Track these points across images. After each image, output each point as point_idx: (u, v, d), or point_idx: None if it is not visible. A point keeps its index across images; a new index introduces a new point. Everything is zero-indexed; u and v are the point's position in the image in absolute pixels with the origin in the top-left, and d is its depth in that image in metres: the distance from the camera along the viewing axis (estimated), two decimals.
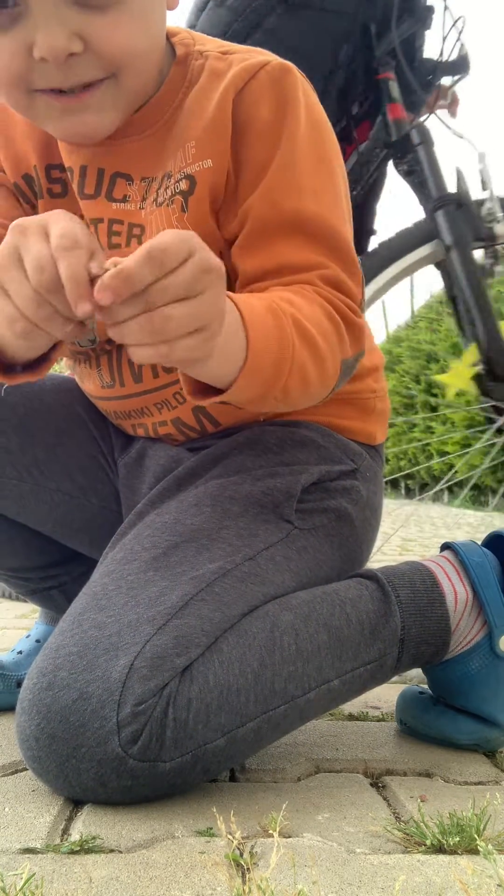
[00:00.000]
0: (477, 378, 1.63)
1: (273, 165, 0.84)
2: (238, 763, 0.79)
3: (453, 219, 1.62)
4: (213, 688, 0.73)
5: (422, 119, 1.72)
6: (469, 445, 8.22)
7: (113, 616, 0.75)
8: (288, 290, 0.81)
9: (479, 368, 1.61)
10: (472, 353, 1.62)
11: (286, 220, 0.84)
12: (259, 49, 0.89)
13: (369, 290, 1.65)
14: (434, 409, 9.11)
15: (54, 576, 1.11)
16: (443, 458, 2.58)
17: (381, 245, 1.70)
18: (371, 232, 1.85)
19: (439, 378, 1.73)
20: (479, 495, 8.96)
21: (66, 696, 0.70)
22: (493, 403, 1.61)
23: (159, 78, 0.87)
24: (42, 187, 0.94)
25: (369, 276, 1.66)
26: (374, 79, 1.70)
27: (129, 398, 0.97)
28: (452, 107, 1.80)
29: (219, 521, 0.84)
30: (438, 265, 1.70)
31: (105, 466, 1.04)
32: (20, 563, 1.08)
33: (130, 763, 0.70)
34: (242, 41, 1.55)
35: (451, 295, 1.65)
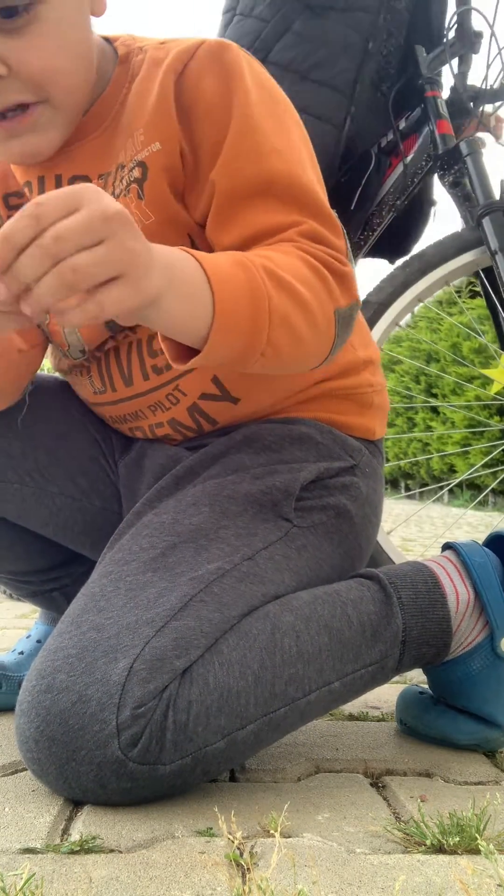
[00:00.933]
0: None
1: (229, 136, 0.82)
2: (237, 764, 0.79)
3: (500, 225, 1.65)
4: (213, 690, 0.72)
5: (474, 132, 1.78)
6: (469, 445, 8.22)
7: (111, 618, 0.75)
8: (263, 248, 0.80)
9: None
10: None
11: (253, 186, 0.82)
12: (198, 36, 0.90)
13: (410, 293, 1.69)
14: (434, 409, 9.10)
15: (55, 578, 1.11)
16: (442, 455, 2.58)
17: (424, 250, 1.72)
18: (414, 240, 1.89)
19: (487, 372, 1.75)
20: (479, 495, 8.97)
21: (65, 698, 0.70)
22: None
23: (100, 83, 0.88)
24: (2, 218, 0.95)
25: (416, 277, 1.70)
26: (424, 96, 1.77)
27: (122, 402, 0.97)
28: (497, 129, 1.87)
29: (217, 521, 0.84)
30: (480, 273, 1.74)
31: (106, 468, 1.04)
32: (21, 566, 1.08)
33: (130, 766, 0.69)
34: (272, 46, 1.59)
35: (492, 302, 1.68)
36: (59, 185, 0.90)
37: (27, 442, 1.00)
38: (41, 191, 0.90)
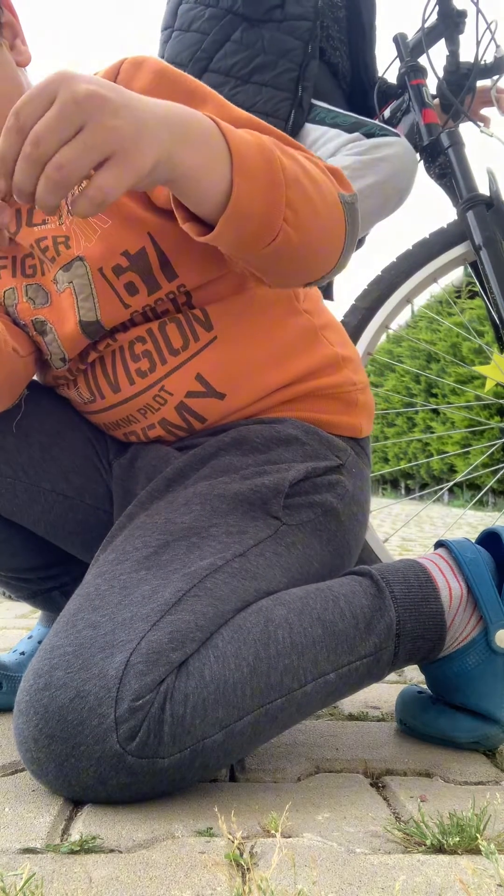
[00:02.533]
0: None
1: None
2: (237, 759, 0.79)
3: (483, 218, 1.65)
4: (210, 682, 0.73)
5: (457, 123, 1.77)
6: (469, 445, 8.22)
7: (107, 615, 0.75)
8: None
9: None
10: None
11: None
12: None
13: (402, 291, 1.68)
14: (434, 409, 9.10)
15: (54, 576, 1.11)
16: (444, 455, 2.58)
17: (415, 246, 1.71)
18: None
19: (480, 369, 1.75)
20: (478, 495, 8.97)
21: (63, 695, 0.70)
22: None
23: None
24: None
25: (402, 278, 1.69)
26: (408, 85, 1.77)
27: (111, 409, 0.99)
28: (501, 102, 1.84)
29: (208, 519, 0.85)
30: (471, 266, 1.72)
31: (99, 467, 1.04)
32: (19, 563, 1.08)
33: (129, 760, 0.70)
34: (213, 55, 1.66)
35: (486, 294, 1.67)
36: (18, 213, 0.94)
37: (22, 438, 1.00)
38: None
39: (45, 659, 0.74)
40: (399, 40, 1.81)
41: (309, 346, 0.97)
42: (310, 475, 0.93)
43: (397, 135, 1.65)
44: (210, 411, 0.95)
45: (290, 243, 0.79)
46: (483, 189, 1.68)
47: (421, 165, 1.74)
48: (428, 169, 1.77)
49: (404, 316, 1.79)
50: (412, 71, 1.75)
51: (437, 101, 1.80)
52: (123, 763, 0.70)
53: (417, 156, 1.68)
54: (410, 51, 1.78)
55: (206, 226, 0.76)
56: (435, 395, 9.01)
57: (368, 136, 1.63)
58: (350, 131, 1.63)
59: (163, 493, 0.91)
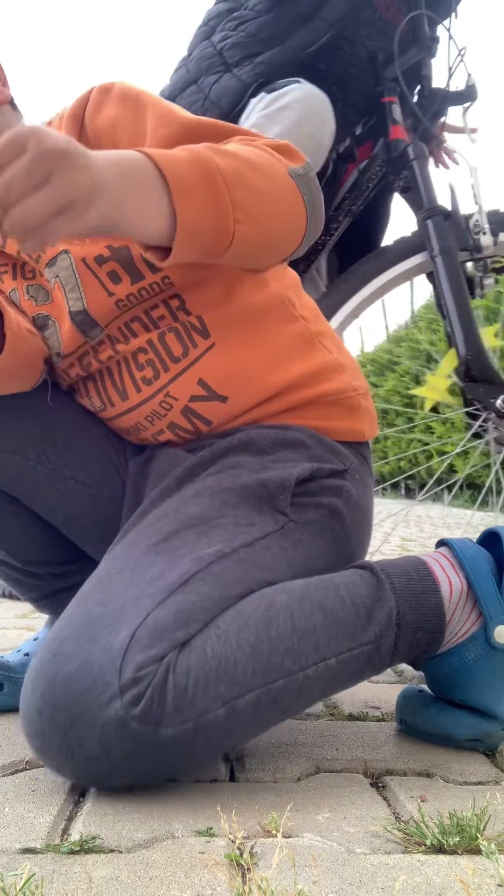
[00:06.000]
0: (455, 388, 1.70)
1: (148, 120, 0.92)
2: (238, 742, 0.80)
3: (440, 229, 1.72)
4: (212, 659, 0.74)
5: (417, 139, 1.85)
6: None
7: (115, 594, 0.78)
8: None
9: (454, 380, 1.68)
10: (450, 360, 1.66)
11: (180, 136, 0.90)
12: None
13: (361, 294, 1.72)
14: (434, 409, 9.11)
15: (67, 574, 1.11)
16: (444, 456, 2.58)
17: (376, 252, 1.76)
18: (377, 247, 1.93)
19: (415, 391, 1.78)
20: (478, 495, 8.97)
21: (69, 665, 0.73)
22: (469, 409, 1.67)
23: None
24: None
25: (362, 282, 1.74)
26: (380, 102, 1.83)
27: (123, 416, 1.02)
28: (473, 131, 1.93)
29: (217, 510, 0.87)
30: (428, 276, 1.78)
31: (117, 462, 1.07)
32: (38, 552, 1.09)
33: (132, 726, 0.71)
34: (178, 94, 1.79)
35: (439, 303, 1.72)
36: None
37: (47, 426, 1.03)
38: None
39: (55, 633, 0.77)
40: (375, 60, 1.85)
41: (307, 352, 1.00)
42: (315, 475, 0.95)
43: (299, 81, 1.66)
44: (215, 414, 0.98)
45: (248, 239, 0.84)
46: (444, 202, 1.75)
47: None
48: (393, 182, 1.84)
49: (403, 316, 1.82)
50: (386, 90, 1.82)
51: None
52: (127, 730, 0.71)
53: (325, 98, 1.69)
54: (383, 70, 1.83)
55: (165, 250, 0.81)
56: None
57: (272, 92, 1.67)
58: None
59: (173, 491, 0.93)
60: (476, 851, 0.65)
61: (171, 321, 0.96)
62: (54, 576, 1.12)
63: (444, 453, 9.12)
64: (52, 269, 0.97)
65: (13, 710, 1.03)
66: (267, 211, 0.85)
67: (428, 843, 0.66)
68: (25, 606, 1.99)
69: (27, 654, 1.09)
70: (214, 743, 0.76)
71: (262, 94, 1.66)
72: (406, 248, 1.75)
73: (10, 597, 2.03)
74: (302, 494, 0.93)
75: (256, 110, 1.64)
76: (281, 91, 1.65)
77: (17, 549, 1.09)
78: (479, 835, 0.66)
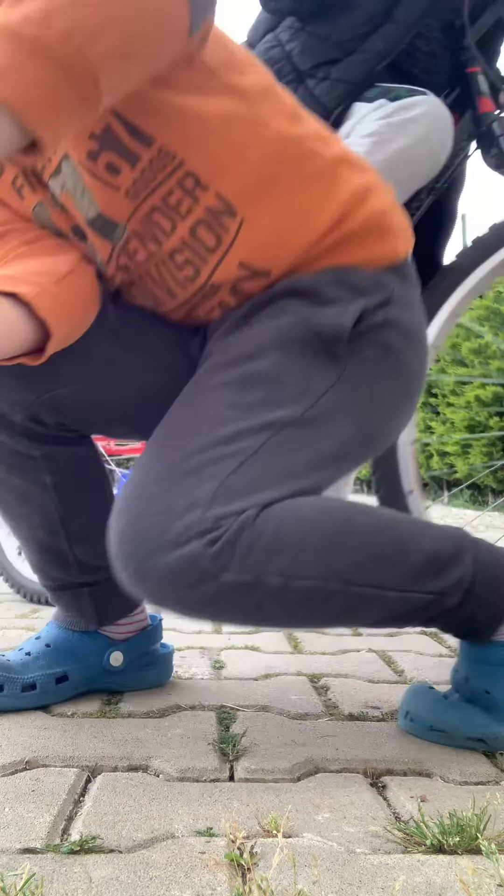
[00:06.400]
0: None
1: None
2: (283, 624, 0.89)
3: None
4: (284, 534, 0.81)
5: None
6: (469, 446, 8.21)
7: (195, 445, 0.85)
8: None
9: None
10: None
11: None
12: None
13: (455, 297, 1.63)
14: (434, 409, 9.10)
15: (99, 568, 1.11)
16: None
17: (473, 244, 1.66)
18: (448, 233, 1.83)
19: None
20: (478, 495, 8.96)
21: (154, 505, 0.82)
22: None
23: None
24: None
25: (454, 285, 1.64)
26: (462, 72, 1.68)
27: (173, 311, 1.03)
28: None
29: (281, 365, 0.91)
30: None
31: (185, 357, 1.06)
32: (88, 521, 1.10)
33: (204, 563, 0.79)
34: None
35: None
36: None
37: (120, 314, 1.05)
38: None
39: (139, 476, 0.86)
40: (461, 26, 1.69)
41: (330, 190, 0.96)
42: (364, 315, 0.95)
43: (425, 93, 1.57)
44: (260, 286, 0.99)
45: (118, 69, 0.75)
46: None
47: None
48: (485, 158, 1.69)
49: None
50: (471, 59, 1.67)
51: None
52: (197, 565, 0.79)
53: (449, 114, 1.59)
54: (464, 38, 1.68)
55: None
56: (435, 395, 8.99)
57: (395, 100, 1.56)
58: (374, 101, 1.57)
59: (230, 334, 0.97)
60: (476, 851, 0.65)
61: (190, 204, 0.92)
62: (85, 569, 1.12)
63: (446, 453, 9.10)
64: (58, 180, 0.94)
65: (12, 710, 1.03)
66: (116, 27, 0.73)
67: (428, 843, 0.66)
68: (26, 606, 1.99)
69: (28, 654, 1.09)
70: (265, 609, 0.82)
71: (381, 101, 1.57)
72: (495, 240, 1.63)
73: (47, 603, 2.01)
74: (354, 339, 0.94)
75: (375, 116, 1.55)
76: (408, 101, 1.56)
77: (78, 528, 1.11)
78: (479, 835, 0.66)
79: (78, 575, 1.12)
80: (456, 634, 0.95)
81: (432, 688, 0.99)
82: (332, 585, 0.82)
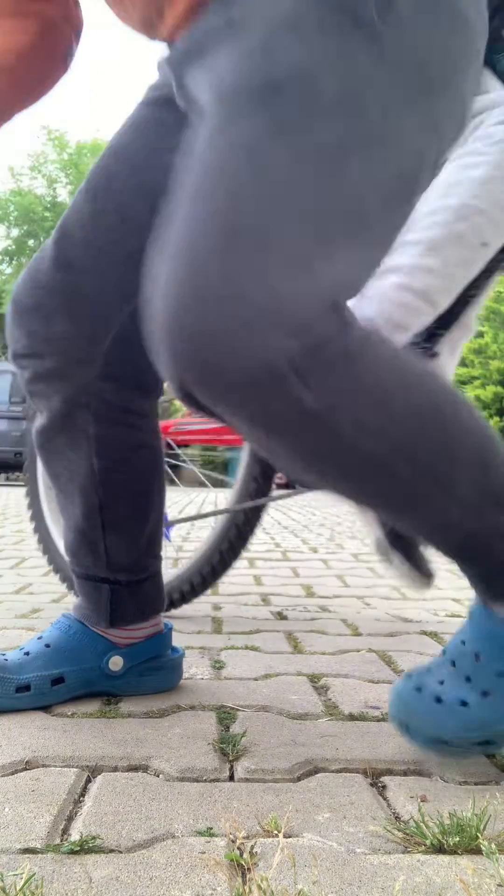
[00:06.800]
0: None
1: None
2: (341, 475, 0.78)
3: None
4: (373, 386, 0.74)
5: None
6: None
7: (259, 203, 0.68)
8: None
9: None
10: None
11: None
12: None
13: None
14: None
15: (124, 568, 1.11)
16: None
17: None
18: None
19: None
20: None
21: (226, 289, 0.66)
22: None
23: None
24: None
25: None
26: None
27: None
28: None
29: (308, 55, 0.71)
30: None
31: None
32: (125, 514, 1.09)
33: (290, 377, 0.68)
34: None
35: None
36: None
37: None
38: None
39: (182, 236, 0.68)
40: None
41: None
42: None
43: None
44: None
45: None
46: None
47: None
48: None
49: None
50: None
51: None
52: (280, 371, 0.67)
53: None
54: None
55: None
56: None
57: None
58: None
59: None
60: (476, 851, 0.65)
61: None
62: (117, 566, 1.12)
63: None
64: None
65: (8, 711, 1.03)
66: None
67: (428, 843, 0.66)
68: (25, 607, 1.99)
69: (27, 653, 1.09)
70: (333, 444, 0.74)
71: None
72: None
73: (63, 579, 2.00)
74: None
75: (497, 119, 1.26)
76: None
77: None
78: (479, 835, 0.66)
79: (103, 568, 1.12)
80: (484, 590, 0.86)
81: (420, 689, 0.89)
82: (398, 466, 0.76)
